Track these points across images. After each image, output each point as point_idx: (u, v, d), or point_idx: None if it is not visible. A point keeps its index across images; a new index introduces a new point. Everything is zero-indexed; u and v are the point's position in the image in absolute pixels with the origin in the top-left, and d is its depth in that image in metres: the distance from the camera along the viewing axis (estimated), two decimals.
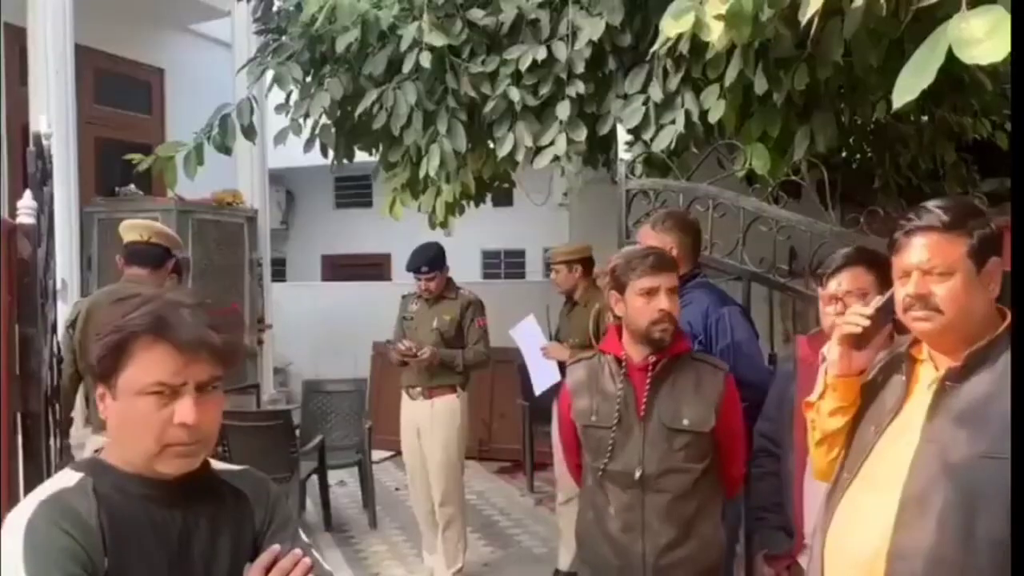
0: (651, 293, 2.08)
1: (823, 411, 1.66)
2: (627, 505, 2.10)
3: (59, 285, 3.42)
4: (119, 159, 4.70)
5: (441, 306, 4.35)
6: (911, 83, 1.40)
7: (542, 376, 4.49)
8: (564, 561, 4.44)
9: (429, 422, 4.29)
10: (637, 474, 2.07)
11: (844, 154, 5.58)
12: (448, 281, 4.40)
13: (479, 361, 4.34)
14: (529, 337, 4.64)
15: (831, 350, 1.64)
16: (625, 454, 2.10)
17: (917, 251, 1.47)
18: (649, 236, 2.76)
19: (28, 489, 1.49)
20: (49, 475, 1.92)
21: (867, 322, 1.57)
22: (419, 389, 4.30)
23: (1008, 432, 1.34)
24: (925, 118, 4.90)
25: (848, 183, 5.60)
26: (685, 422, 2.07)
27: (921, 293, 1.46)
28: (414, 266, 4.26)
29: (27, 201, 1.62)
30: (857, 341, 1.59)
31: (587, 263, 4.49)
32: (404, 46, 3.48)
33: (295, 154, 4.48)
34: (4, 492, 1.54)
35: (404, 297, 4.51)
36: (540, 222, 9.63)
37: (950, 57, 1.45)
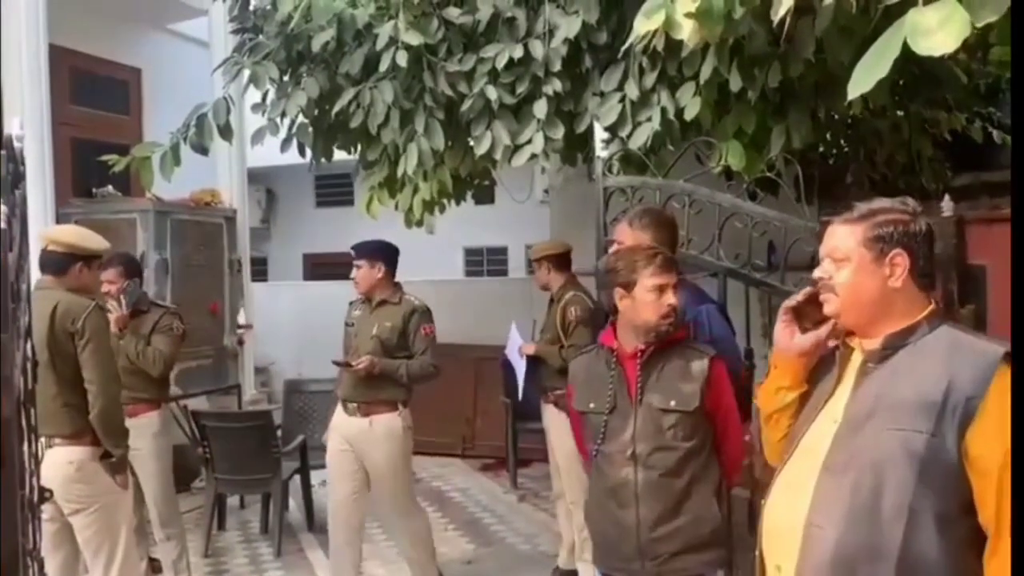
0: (661, 290, 2.23)
1: (768, 389, 1.79)
2: (622, 482, 2.24)
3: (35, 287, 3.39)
4: (96, 160, 4.66)
5: (382, 312, 3.93)
6: (866, 75, 1.43)
7: (523, 379, 4.49)
8: (563, 559, 4.46)
9: (367, 444, 3.86)
10: (628, 452, 2.22)
11: (821, 149, 5.64)
12: (394, 285, 3.97)
13: (425, 374, 3.91)
14: (514, 349, 4.65)
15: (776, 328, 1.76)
16: (619, 435, 2.26)
17: (826, 240, 1.63)
18: (626, 233, 2.77)
19: (1, 493, 1.48)
20: (24, 480, 1.91)
21: (801, 297, 1.71)
22: (355, 404, 3.87)
23: (918, 408, 1.45)
24: (901, 113, 4.94)
25: (825, 178, 5.66)
26: (672, 403, 2.22)
27: (822, 277, 1.62)
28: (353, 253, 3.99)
29: None
30: (797, 319, 1.72)
31: (561, 259, 4.50)
32: (380, 45, 3.48)
33: (275, 153, 4.46)
34: None
35: (351, 303, 4.12)
36: (522, 219, 9.64)
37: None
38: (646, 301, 2.23)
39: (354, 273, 3.91)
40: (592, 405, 2.34)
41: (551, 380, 4.21)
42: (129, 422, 4.02)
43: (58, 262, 3.25)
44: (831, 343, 1.71)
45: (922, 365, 1.49)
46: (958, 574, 1.43)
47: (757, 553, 1.71)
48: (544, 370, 4.34)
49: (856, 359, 1.62)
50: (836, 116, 4.59)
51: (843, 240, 1.59)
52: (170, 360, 4.17)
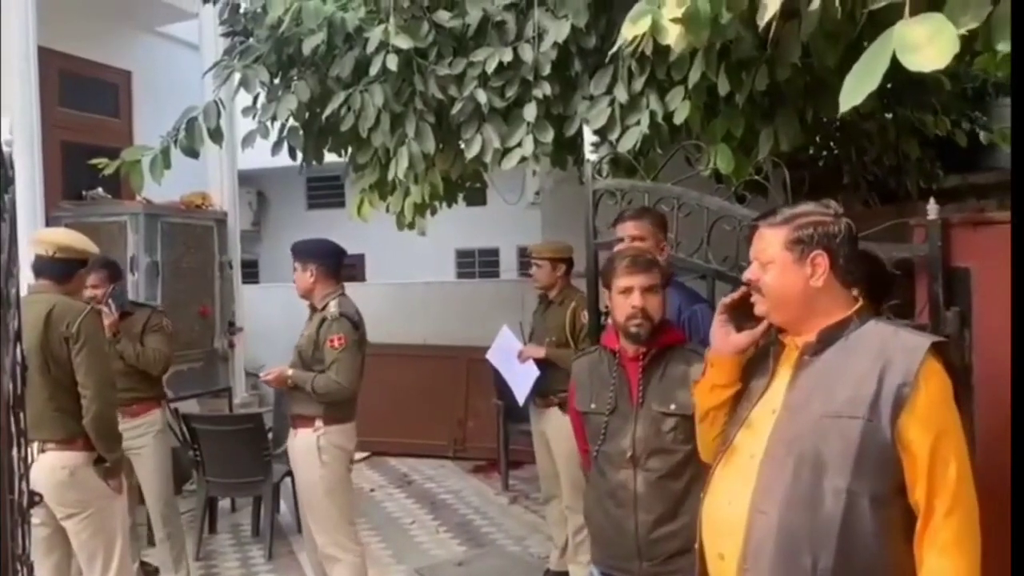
0: (627, 292, 2.24)
1: (703, 387, 1.87)
2: (620, 483, 2.25)
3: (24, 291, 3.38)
4: (86, 163, 4.66)
5: (310, 320, 3.70)
6: (857, 87, 1.44)
7: (522, 384, 4.37)
8: (555, 561, 4.47)
9: (292, 459, 3.73)
10: (628, 454, 2.23)
11: (811, 152, 5.68)
12: (329, 290, 3.68)
13: (328, 391, 3.50)
14: (504, 352, 4.56)
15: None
16: (619, 437, 2.27)
17: (754, 243, 1.72)
18: (627, 227, 2.84)
19: None
20: (13, 485, 1.91)
21: (735, 296, 1.79)
22: (290, 417, 3.74)
23: (854, 395, 1.53)
24: (889, 116, 4.99)
25: (816, 180, 5.70)
26: (672, 406, 2.23)
27: (750, 278, 1.72)
28: None
29: None
30: (735, 320, 1.80)
31: (569, 263, 4.49)
32: (371, 49, 3.49)
33: (266, 155, 4.45)
34: None
35: None
36: (513, 221, 9.67)
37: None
38: (616, 303, 2.27)
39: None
40: (593, 406, 2.35)
41: (558, 383, 4.06)
42: (132, 422, 4.05)
43: (64, 269, 3.25)
44: (762, 341, 1.79)
45: (856, 356, 1.58)
46: (892, 552, 1.52)
47: (696, 546, 1.78)
48: (551, 374, 4.21)
49: (791, 354, 1.70)
50: (824, 119, 4.64)
51: (768, 243, 1.68)
52: (169, 357, 4.23)
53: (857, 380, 1.55)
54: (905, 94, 4.76)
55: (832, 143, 5.62)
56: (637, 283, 2.23)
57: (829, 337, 1.63)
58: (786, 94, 3.19)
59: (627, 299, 2.23)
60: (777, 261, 1.66)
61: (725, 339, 1.81)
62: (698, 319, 2.73)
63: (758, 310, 1.72)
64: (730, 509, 1.66)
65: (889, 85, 4.55)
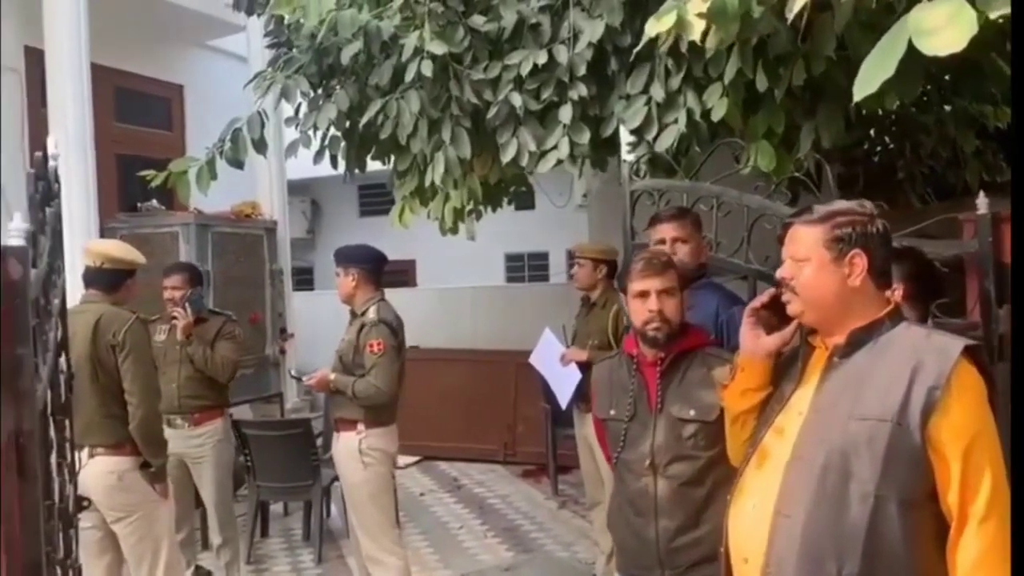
0: (643, 295, 2.20)
1: (734, 391, 1.83)
2: (640, 491, 2.21)
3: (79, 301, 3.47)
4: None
5: (351, 324, 3.74)
6: (872, 75, 1.38)
7: (565, 387, 4.37)
8: (601, 567, 4.39)
9: (336, 462, 3.77)
10: (648, 461, 2.18)
11: (865, 147, 5.52)
12: (371, 295, 3.71)
13: (367, 395, 3.56)
14: (547, 356, 4.55)
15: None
16: (638, 443, 2.22)
17: (788, 241, 1.68)
18: (666, 229, 2.78)
19: (23, 504, 1.52)
20: (52, 490, 1.95)
21: (765, 299, 1.77)
22: (334, 419, 3.79)
23: (883, 398, 1.50)
24: (948, 108, 4.82)
25: (869, 176, 5.54)
26: (692, 412, 2.17)
27: (784, 277, 1.68)
28: None
29: (17, 223, 1.66)
30: (765, 323, 1.77)
31: (612, 265, 4.45)
32: (406, 55, 3.50)
33: (319, 164, 4.51)
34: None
35: None
36: (562, 224, 9.63)
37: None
38: (633, 307, 2.23)
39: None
40: (612, 412, 2.31)
41: None
42: (195, 430, 4.16)
43: (113, 279, 3.35)
44: (794, 343, 1.75)
45: (886, 358, 1.55)
46: (921, 559, 1.48)
47: (722, 549, 1.74)
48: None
49: (820, 356, 1.67)
50: (877, 113, 4.50)
51: (804, 241, 1.64)
52: (236, 365, 4.32)
53: (887, 383, 1.51)
54: (963, 85, 4.58)
55: (887, 137, 5.46)
56: (653, 286, 2.19)
57: (859, 339, 1.60)
58: (826, 88, 3.09)
59: (644, 303, 2.19)
60: (814, 259, 1.62)
61: (755, 342, 1.77)
62: (736, 321, 2.64)
63: (791, 310, 1.69)
64: (755, 513, 1.63)
65: (947, 76, 4.40)
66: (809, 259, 1.62)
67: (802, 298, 1.65)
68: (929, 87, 4.62)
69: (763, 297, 1.80)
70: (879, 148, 5.60)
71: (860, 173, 5.54)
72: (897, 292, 2.13)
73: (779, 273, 1.70)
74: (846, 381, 1.58)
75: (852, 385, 1.56)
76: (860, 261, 1.59)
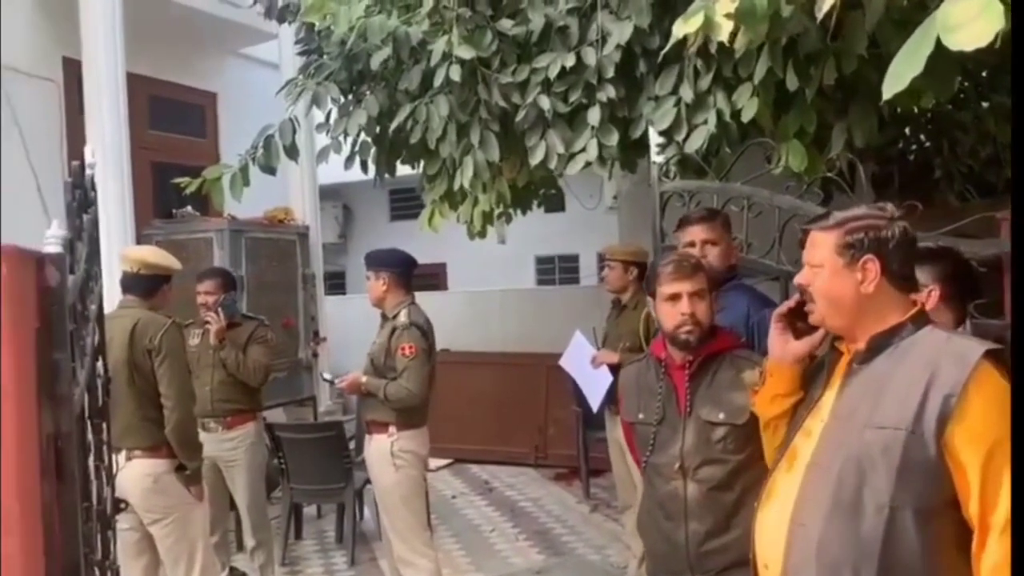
0: (674, 298, 2.17)
1: (764, 397, 1.82)
2: (670, 495, 2.18)
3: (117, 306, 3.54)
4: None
5: (382, 328, 3.78)
6: (901, 73, 1.36)
7: (596, 390, 4.35)
8: (633, 571, 4.38)
9: (369, 464, 3.79)
10: (677, 465, 2.16)
11: (900, 146, 5.44)
12: (402, 298, 3.74)
13: (399, 398, 3.57)
14: (578, 358, 4.53)
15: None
16: (667, 447, 2.20)
17: (806, 247, 1.67)
18: (696, 231, 2.76)
19: (62, 506, 1.55)
20: (90, 493, 1.99)
21: (791, 304, 1.75)
22: (366, 422, 3.83)
23: (899, 406, 1.47)
24: (986, 104, 4.73)
25: (905, 175, 5.45)
26: (721, 416, 2.14)
27: (800, 283, 1.67)
28: None
29: (54, 231, 1.69)
30: (794, 328, 1.75)
31: (643, 267, 4.42)
32: (434, 60, 3.52)
33: (350, 169, 4.55)
34: (37, 508, 1.60)
35: None
36: (592, 226, 9.59)
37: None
38: (663, 310, 2.19)
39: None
40: (641, 416, 2.29)
41: None
42: (227, 434, 4.21)
43: (149, 284, 3.41)
44: (823, 347, 1.73)
45: (905, 364, 1.52)
46: (940, 568, 1.46)
47: (751, 555, 1.73)
48: None
49: (845, 361, 1.65)
50: (912, 111, 4.43)
51: (818, 247, 1.63)
52: (269, 370, 4.37)
53: (904, 389, 1.49)
54: (1000, 80, 4.50)
55: (922, 136, 5.37)
56: (684, 289, 2.15)
57: (879, 344, 1.58)
58: (859, 87, 3.05)
59: (675, 306, 2.16)
60: (827, 266, 1.61)
61: (783, 347, 1.76)
62: (767, 324, 2.63)
63: (812, 318, 1.68)
64: (778, 518, 1.62)
65: (984, 72, 4.32)
66: (823, 265, 1.62)
67: (818, 305, 1.64)
68: (966, 83, 4.54)
69: (789, 303, 1.78)
70: (915, 146, 5.50)
71: (895, 172, 5.46)
72: (934, 293, 2.09)
73: (796, 279, 1.70)
74: (865, 388, 1.56)
75: (871, 392, 1.55)
76: (873, 267, 1.56)
